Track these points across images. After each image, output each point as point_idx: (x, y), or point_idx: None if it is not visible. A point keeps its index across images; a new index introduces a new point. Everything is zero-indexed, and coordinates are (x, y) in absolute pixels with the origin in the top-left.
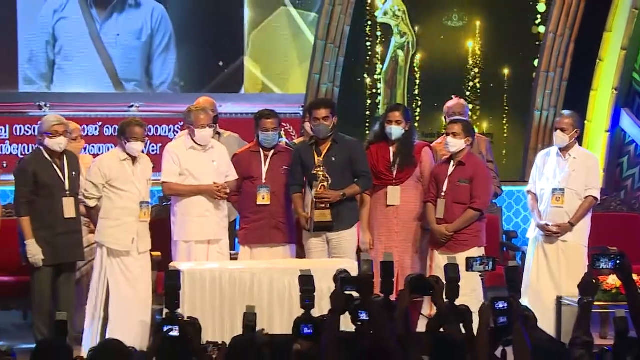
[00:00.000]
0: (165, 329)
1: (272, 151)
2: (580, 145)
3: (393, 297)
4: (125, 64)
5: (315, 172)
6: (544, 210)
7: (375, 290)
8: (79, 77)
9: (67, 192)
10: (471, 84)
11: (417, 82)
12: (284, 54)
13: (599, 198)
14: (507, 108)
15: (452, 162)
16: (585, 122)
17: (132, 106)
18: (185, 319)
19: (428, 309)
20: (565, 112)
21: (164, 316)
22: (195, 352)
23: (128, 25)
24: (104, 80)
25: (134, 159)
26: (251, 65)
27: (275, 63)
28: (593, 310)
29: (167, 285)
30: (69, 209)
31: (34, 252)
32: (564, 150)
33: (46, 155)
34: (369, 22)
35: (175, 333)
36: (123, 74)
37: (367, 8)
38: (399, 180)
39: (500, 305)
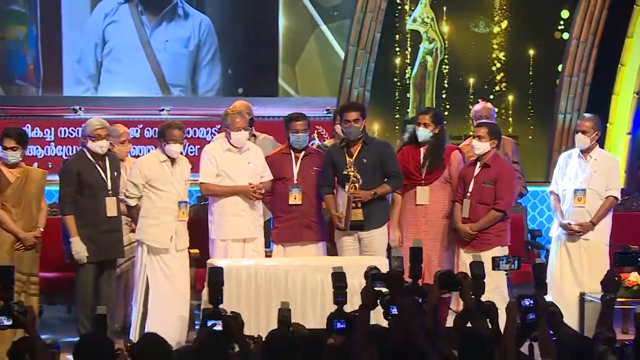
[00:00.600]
0: (209, 323)
1: (303, 153)
2: (602, 147)
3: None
4: (172, 70)
5: (346, 172)
6: (567, 210)
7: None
8: (126, 79)
9: (110, 192)
10: (497, 87)
11: (445, 86)
12: (313, 61)
13: (619, 198)
14: (532, 111)
15: (478, 164)
16: (608, 124)
17: (162, 110)
18: (229, 313)
19: (456, 304)
20: (587, 115)
21: (206, 311)
22: (239, 344)
23: (176, 33)
24: (152, 83)
25: (172, 161)
26: (284, 71)
27: (306, 69)
28: (615, 307)
29: (210, 281)
30: (111, 208)
31: (79, 249)
32: (585, 152)
33: (89, 157)
34: (399, 29)
35: (218, 327)
36: (170, 79)
37: (397, 15)
38: (427, 180)
39: (527, 302)
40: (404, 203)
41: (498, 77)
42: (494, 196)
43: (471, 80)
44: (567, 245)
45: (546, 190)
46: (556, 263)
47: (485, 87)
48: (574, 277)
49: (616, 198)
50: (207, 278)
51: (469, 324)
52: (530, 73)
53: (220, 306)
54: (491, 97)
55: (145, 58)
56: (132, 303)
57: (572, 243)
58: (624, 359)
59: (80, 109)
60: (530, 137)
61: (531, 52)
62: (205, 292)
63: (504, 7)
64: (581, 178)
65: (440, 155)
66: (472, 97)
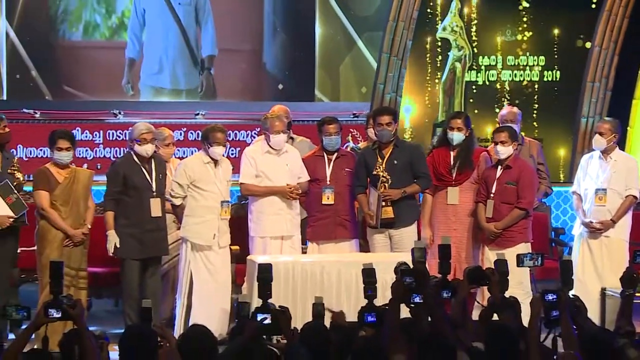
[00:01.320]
0: (259, 317)
1: (335, 155)
2: (622, 149)
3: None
4: None
5: (376, 173)
6: (588, 209)
7: (433, 272)
8: None
9: (154, 193)
10: (523, 92)
11: (474, 91)
12: (346, 68)
13: (638, 197)
14: (556, 115)
15: (499, 166)
16: (628, 128)
17: (197, 114)
18: (277, 307)
19: (482, 298)
20: (606, 118)
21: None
22: (286, 337)
23: None
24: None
25: (215, 162)
26: (320, 76)
27: (340, 75)
28: (635, 301)
29: (260, 277)
30: (155, 208)
31: (112, 240)
32: (605, 153)
33: (135, 160)
34: (429, 37)
35: (267, 321)
36: None
37: (428, 24)
38: (457, 182)
39: (550, 297)
40: (434, 202)
41: (525, 82)
42: (517, 195)
43: (498, 86)
44: (588, 242)
45: (569, 189)
46: (578, 259)
47: (512, 92)
48: (596, 272)
49: (635, 197)
50: (257, 274)
51: (494, 317)
52: (555, 79)
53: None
54: (517, 102)
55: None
56: (177, 297)
57: (593, 240)
58: None
59: (119, 112)
60: (554, 139)
61: (556, 58)
62: (245, 287)
63: (530, 16)
64: (602, 178)
65: (470, 157)
66: (499, 101)
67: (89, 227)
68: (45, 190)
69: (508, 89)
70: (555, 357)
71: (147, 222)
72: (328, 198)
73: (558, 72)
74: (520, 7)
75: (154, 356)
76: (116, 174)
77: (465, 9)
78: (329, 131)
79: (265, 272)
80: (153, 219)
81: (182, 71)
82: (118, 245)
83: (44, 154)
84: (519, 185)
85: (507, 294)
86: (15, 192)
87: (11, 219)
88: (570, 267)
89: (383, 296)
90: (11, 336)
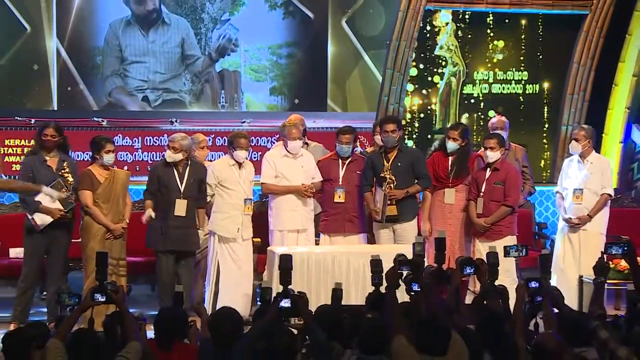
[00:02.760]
0: (281, 301)
1: (348, 159)
2: (598, 152)
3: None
4: None
5: (383, 175)
6: (568, 207)
7: (431, 261)
8: None
9: (181, 195)
10: (510, 103)
11: (466, 102)
12: (355, 82)
13: (612, 194)
14: (540, 123)
15: (488, 169)
16: (603, 135)
17: (244, 122)
18: (296, 293)
19: (473, 285)
20: (581, 125)
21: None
22: (304, 318)
23: None
24: None
25: (240, 164)
26: (331, 89)
27: (349, 88)
28: (609, 287)
29: (281, 266)
30: (179, 208)
31: (148, 212)
32: (582, 157)
33: (170, 164)
34: (428, 55)
35: (287, 305)
36: None
37: (427, 43)
38: (454, 184)
39: (533, 284)
40: (433, 200)
41: (511, 94)
42: (504, 194)
43: (488, 97)
44: (569, 235)
45: (551, 189)
46: (560, 251)
47: (500, 103)
48: (574, 262)
49: (610, 195)
50: (279, 263)
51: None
52: (539, 91)
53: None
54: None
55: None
56: (206, 283)
57: (573, 233)
58: (617, 329)
59: (176, 121)
60: (537, 145)
61: (540, 73)
62: (265, 274)
63: (517, 36)
64: (579, 179)
65: (466, 164)
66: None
67: (127, 221)
68: (89, 189)
69: (497, 100)
70: (536, 337)
71: (171, 218)
72: (340, 197)
73: (538, 86)
74: (507, 29)
75: (186, 334)
76: (152, 174)
77: (459, 30)
78: (342, 140)
79: (286, 262)
80: (177, 217)
81: None
82: (153, 216)
83: (87, 157)
84: (506, 185)
85: (496, 282)
86: (66, 188)
87: (61, 212)
88: (548, 259)
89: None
90: None
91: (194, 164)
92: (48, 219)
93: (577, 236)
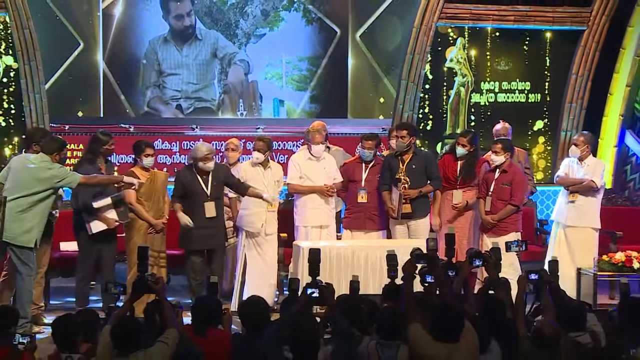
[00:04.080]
0: (309, 291)
1: (371, 163)
2: (595, 156)
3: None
4: None
5: (398, 176)
6: (564, 205)
7: (441, 253)
8: None
9: (208, 198)
10: (514, 111)
11: (474, 110)
12: (371, 92)
13: (597, 183)
14: (541, 129)
15: (497, 170)
16: (599, 140)
17: (258, 128)
18: (324, 284)
19: (481, 276)
20: (582, 132)
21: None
22: (330, 306)
23: None
24: None
25: (264, 165)
26: (351, 99)
27: (366, 97)
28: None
29: (310, 259)
30: (209, 210)
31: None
32: (580, 160)
33: (194, 171)
34: (439, 67)
35: (316, 294)
36: None
37: (438, 56)
38: (462, 186)
39: (533, 276)
40: (443, 199)
41: (515, 103)
42: (510, 194)
43: (494, 106)
44: (563, 229)
45: (551, 189)
46: (555, 244)
47: (505, 111)
48: (570, 256)
49: (594, 183)
50: (308, 257)
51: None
52: (540, 100)
53: (304, 277)
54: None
55: None
56: (235, 274)
57: (567, 228)
58: (611, 320)
59: (197, 127)
60: (538, 148)
61: (541, 83)
62: (291, 266)
63: (520, 49)
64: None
65: (473, 169)
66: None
67: (167, 217)
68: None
69: (502, 108)
70: (535, 324)
71: (199, 220)
72: (362, 197)
73: (539, 95)
74: (511, 44)
75: (220, 321)
76: (177, 182)
77: (468, 45)
78: (365, 146)
79: (315, 255)
80: (207, 219)
81: None
82: (190, 224)
83: (130, 159)
84: (512, 186)
85: (501, 274)
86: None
87: (116, 222)
88: (556, 264)
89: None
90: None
91: (217, 167)
92: (102, 227)
93: (571, 230)
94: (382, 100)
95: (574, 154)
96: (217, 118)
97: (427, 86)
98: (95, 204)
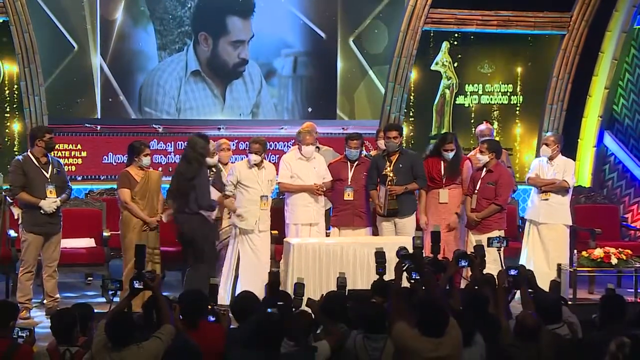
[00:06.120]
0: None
1: (356, 162)
2: (574, 158)
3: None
4: None
5: (384, 173)
6: (536, 204)
7: (427, 250)
8: None
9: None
10: (497, 112)
11: (458, 111)
12: (360, 93)
13: (570, 183)
14: (523, 130)
15: (484, 169)
16: (579, 140)
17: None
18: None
19: (466, 274)
20: (550, 132)
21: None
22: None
23: None
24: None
25: (259, 165)
26: (340, 100)
27: (355, 99)
28: (582, 274)
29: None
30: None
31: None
32: (550, 159)
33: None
34: (425, 70)
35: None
36: None
37: (424, 59)
38: (447, 185)
39: (512, 271)
40: (428, 198)
41: (498, 104)
42: (494, 193)
43: (478, 107)
44: (537, 227)
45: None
46: (529, 242)
47: (489, 111)
48: (543, 254)
49: (567, 183)
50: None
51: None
52: (522, 102)
53: (293, 274)
54: (492, 119)
55: None
56: (225, 269)
57: (540, 225)
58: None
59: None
60: (519, 148)
61: (523, 86)
62: (282, 262)
63: (503, 54)
64: (547, 178)
65: (457, 169)
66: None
67: (161, 215)
68: (127, 188)
69: (486, 109)
70: (516, 317)
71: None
72: (349, 195)
73: (521, 97)
74: (494, 48)
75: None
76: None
77: (453, 48)
78: (351, 145)
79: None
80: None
81: None
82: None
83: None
84: (497, 186)
85: (485, 270)
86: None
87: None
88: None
89: (389, 269)
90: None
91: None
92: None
93: (543, 228)
94: (369, 101)
95: (545, 154)
96: (217, 119)
97: (413, 88)
98: None
